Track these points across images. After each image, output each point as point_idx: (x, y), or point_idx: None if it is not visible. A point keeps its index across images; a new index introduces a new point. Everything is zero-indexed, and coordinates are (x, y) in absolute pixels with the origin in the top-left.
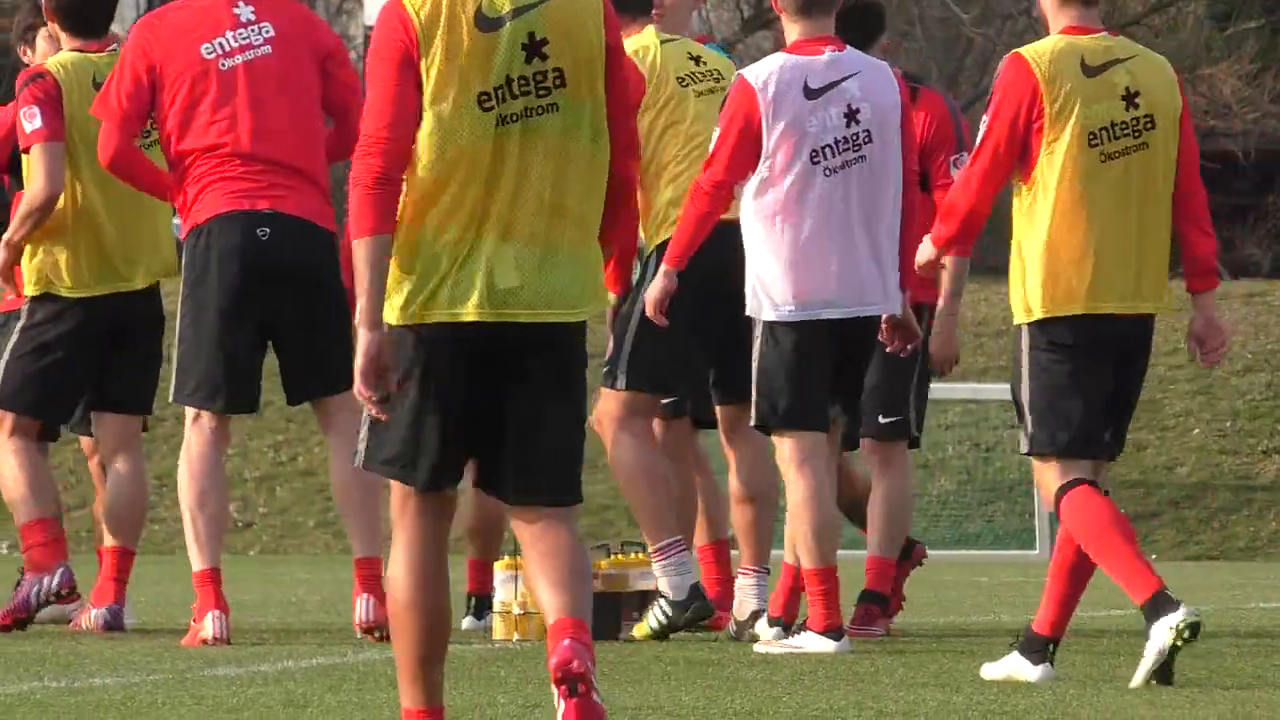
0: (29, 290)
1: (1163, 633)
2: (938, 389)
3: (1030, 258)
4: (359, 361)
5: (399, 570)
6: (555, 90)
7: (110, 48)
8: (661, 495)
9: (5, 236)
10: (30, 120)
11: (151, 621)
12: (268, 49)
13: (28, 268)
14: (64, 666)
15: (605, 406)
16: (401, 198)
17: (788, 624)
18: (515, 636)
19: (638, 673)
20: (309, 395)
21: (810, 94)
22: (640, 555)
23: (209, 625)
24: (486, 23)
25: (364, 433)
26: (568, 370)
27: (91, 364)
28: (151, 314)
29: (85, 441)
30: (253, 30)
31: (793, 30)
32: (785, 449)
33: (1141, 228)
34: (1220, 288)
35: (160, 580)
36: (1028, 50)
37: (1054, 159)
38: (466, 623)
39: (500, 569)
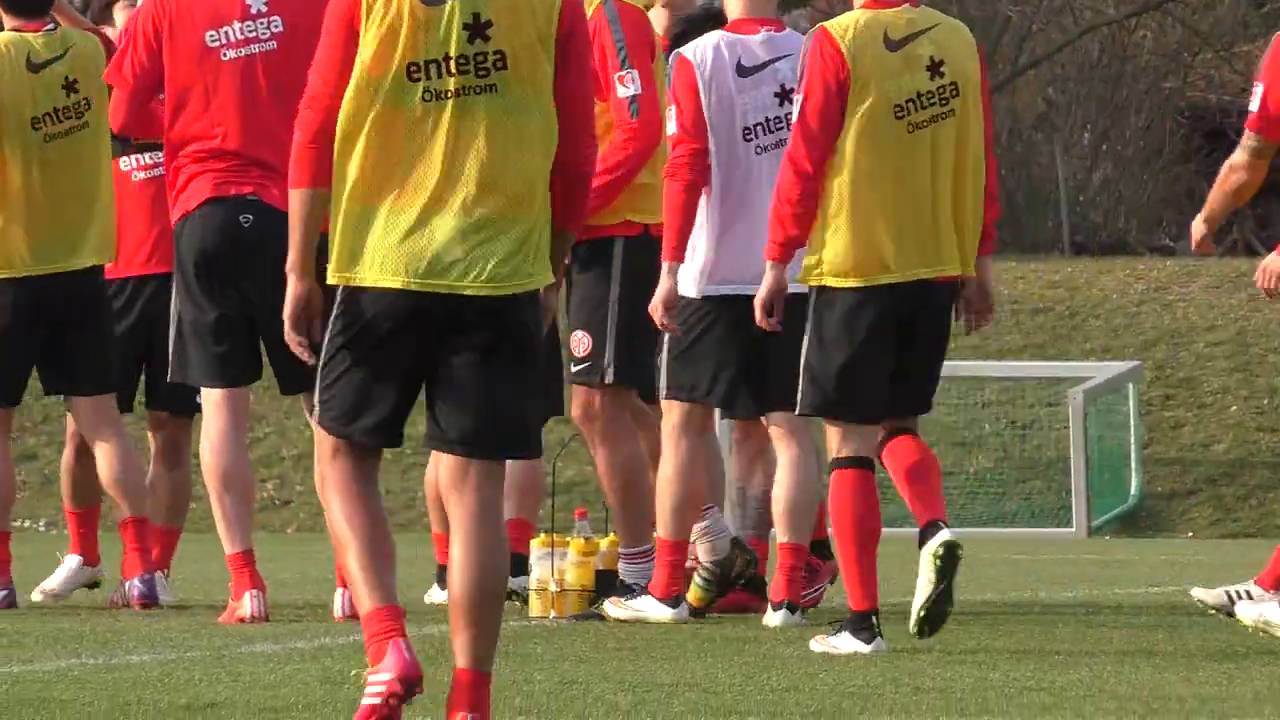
0: None
1: (848, 644)
2: (974, 366)
3: (836, 226)
4: (287, 308)
5: (335, 505)
6: (495, 72)
7: (48, 27)
8: (648, 499)
9: None
10: None
11: (189, 598)
12: (273, 45)
13: None
14: (101, 643)
15: (593, 401)
16: (346, 161)
17: (794, 604)
18: (551, 614)
19: (674, 650)
20: (304, 386)
21: (743, 71)
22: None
23: (246, 604)
24: (429, 1)
25: (317, 390)
26: (511, 336)
27: (33, 345)
28: (96, 293)
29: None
30: (261, 24)
31: (735, 7)
32: (670, 417)
33: (955, 193)
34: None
35: (199, 558)
36: (832, 25)
37: (859, 131)
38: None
39: (537, 546)
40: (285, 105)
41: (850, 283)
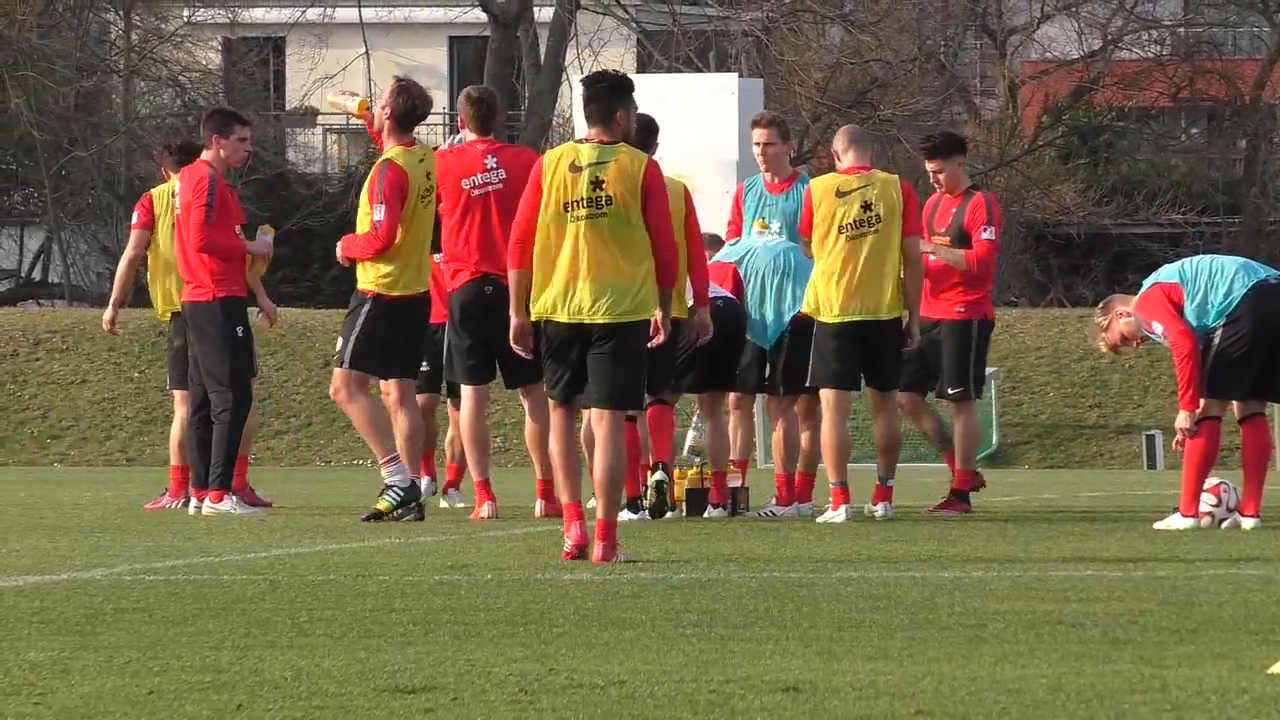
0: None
1: None
2: None
3: (819, 283)
4: (513, 333)
5: (555, 445)
6: (606, 206)
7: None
8: (389, 429)
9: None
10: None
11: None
12: (500, 186)
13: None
14: (402, 529)
15: (345, 378)
16: (539, 252)
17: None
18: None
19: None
20: (519, 383)
21: (575, 169)
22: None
23: (485, 509)
24: (575, 169)
25: (544, 383)
26: (620, 346)
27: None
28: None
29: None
30: (493, 173)
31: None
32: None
33: (880, 270)
34: None
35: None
36: (813, 181)
37: (824, 236)
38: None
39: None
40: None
41: (834, 317)
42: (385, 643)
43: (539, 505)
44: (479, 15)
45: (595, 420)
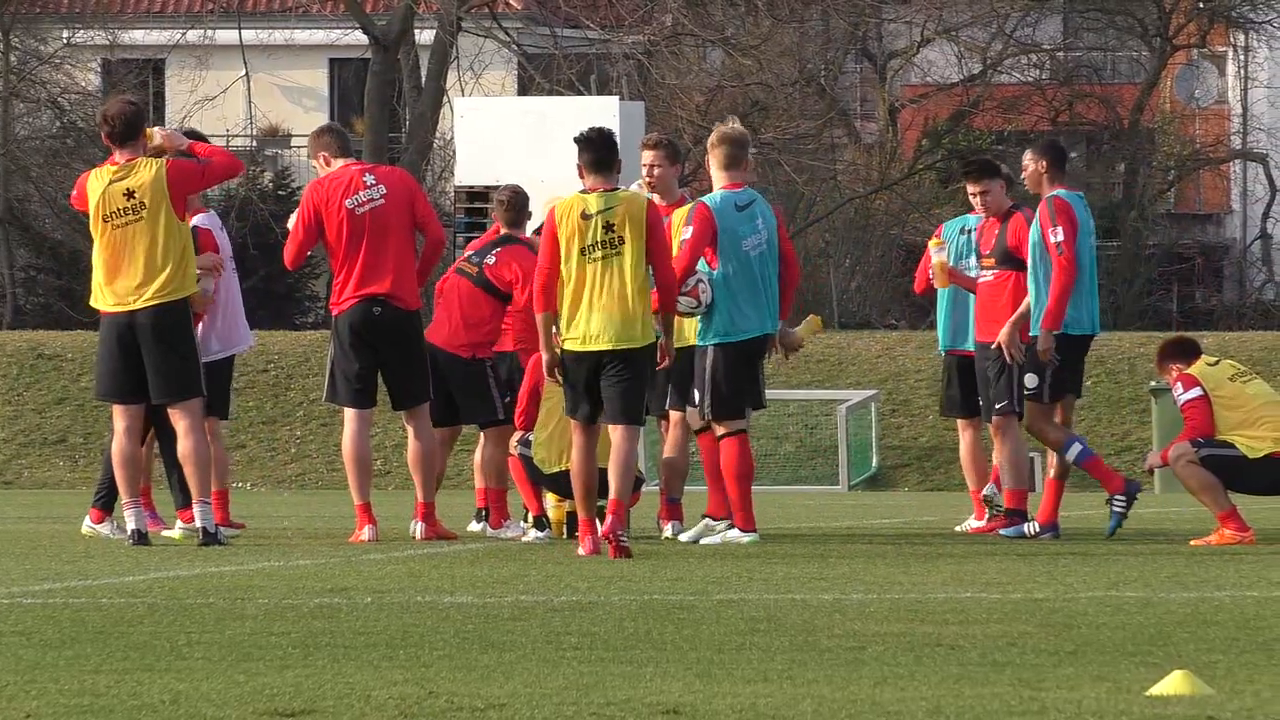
0: None
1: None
2: (783, 392)
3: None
4: (545, 366)
5: (576, 462)
6: (619, 245)
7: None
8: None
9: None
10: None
11: (340, 529)
12: (382, 202)
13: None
14: (282, 552)
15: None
16: (562, 290)
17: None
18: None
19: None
20: (403, 407)
21: (585, 217)
22: None
23: (365, 532)
24: (586, 217)
25: (566, 409)
26: (628, 369)
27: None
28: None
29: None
30: (374, 189)
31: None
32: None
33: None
34: None
35: (340, 502)
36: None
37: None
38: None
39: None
40: (393, 240)
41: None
42: (264, 666)
43: (419, 528)
44: (360, 37)
45: (611, 432)
